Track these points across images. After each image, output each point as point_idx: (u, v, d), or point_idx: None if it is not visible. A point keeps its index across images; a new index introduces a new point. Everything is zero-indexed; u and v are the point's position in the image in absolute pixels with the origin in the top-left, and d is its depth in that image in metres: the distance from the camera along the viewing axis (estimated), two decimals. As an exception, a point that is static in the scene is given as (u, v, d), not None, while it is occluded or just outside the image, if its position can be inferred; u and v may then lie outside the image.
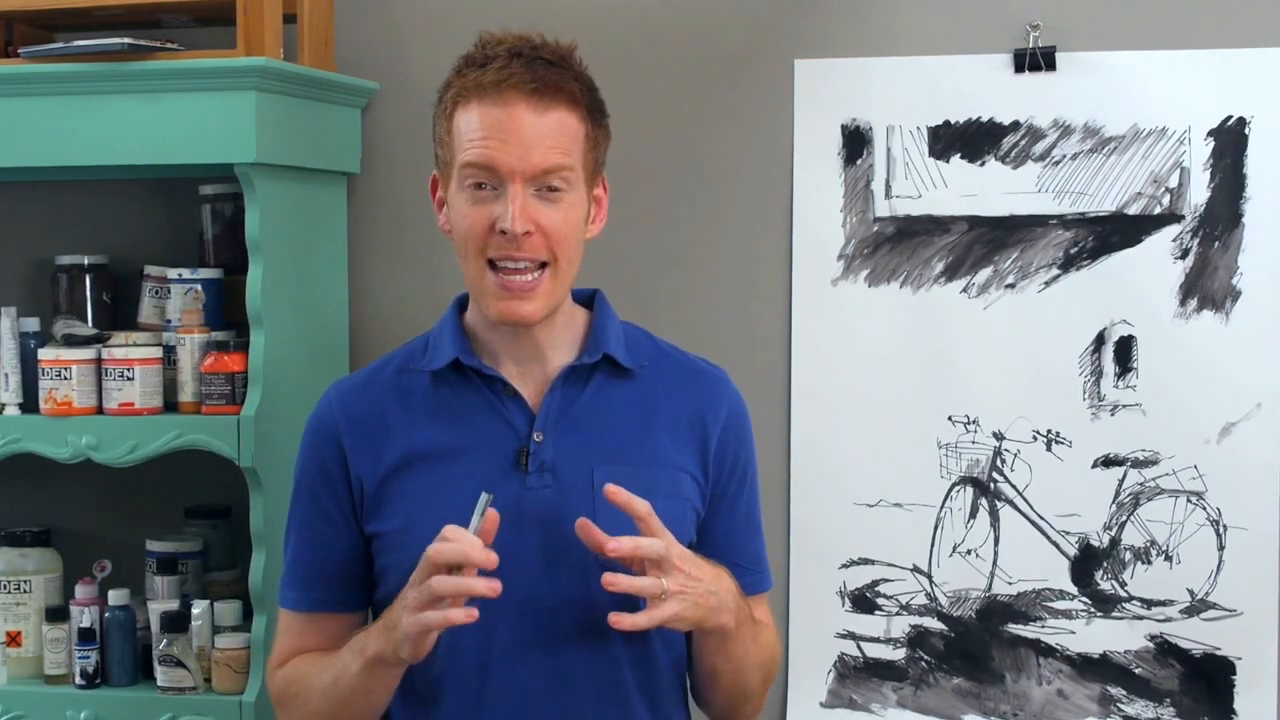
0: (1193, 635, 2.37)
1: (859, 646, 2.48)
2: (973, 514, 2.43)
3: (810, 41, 2.46)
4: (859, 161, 2.45)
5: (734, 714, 1.87)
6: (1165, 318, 2.36)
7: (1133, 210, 2.37)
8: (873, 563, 2.46)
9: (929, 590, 2.45)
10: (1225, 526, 2.35)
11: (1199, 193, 2.34)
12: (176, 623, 2.36)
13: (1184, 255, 2.35)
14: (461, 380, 1.78)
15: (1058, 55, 2.36)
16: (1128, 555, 2.39)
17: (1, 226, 2.71)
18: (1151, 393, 2.37)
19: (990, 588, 2.43)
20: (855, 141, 2.45)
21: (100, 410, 2.37)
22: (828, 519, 2.47)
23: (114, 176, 2.56)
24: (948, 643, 2.45)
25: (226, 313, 2.47)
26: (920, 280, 2.43)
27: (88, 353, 2.38)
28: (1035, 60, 2.37)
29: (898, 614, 2.46)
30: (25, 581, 2.49)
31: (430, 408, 1.78)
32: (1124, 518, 2.38)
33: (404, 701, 1.77)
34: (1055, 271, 2.39)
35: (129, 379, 2.35)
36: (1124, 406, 2.38)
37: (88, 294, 2.54)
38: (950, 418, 2.43)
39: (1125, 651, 2.39)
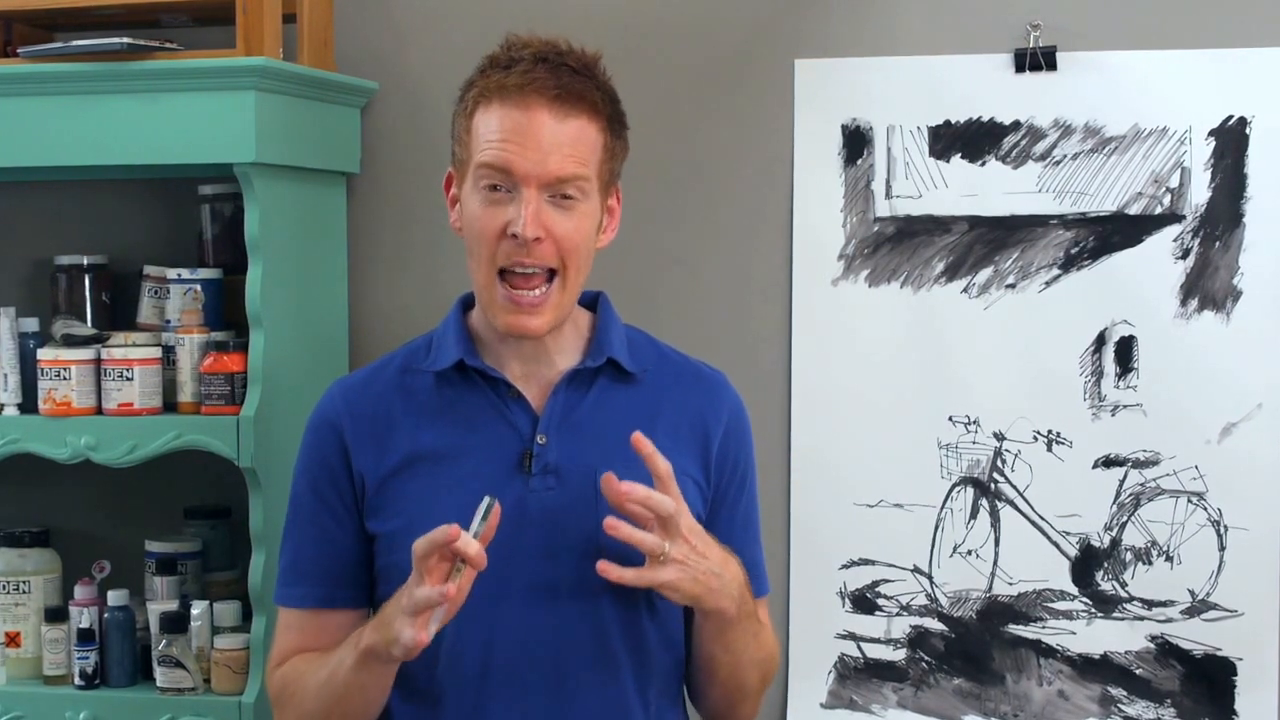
0: (1193, 636, 2.37)
1: (859, 647, 2.48)
2: (973, 514, 2.43)
3: (810, 41, 2.46)
4: (859, 161, 2.44)
5: (730, 713, 1.87)
6: (1166, 318, 2.36)
7: (1133, 210, 2.36)
8: (873, 563, 2.46)
9: (929, 591, 2.45)
10: (1226, 527, 2.35)
11: (1200, 193, 2.34)
12: (176, 623, 2.36)
13: (1185, 255, 2.35)
14: (465, 381, 1.78)
15: (1058, 55, 2.36)
16: (1128, 556, 2.39)
17: (1, 226, 2.70)
18: (1152, 393, 2.37)
19: (991, 588, 2.43)
20: (855, 141, 2.44)
21: (99, 410, 2.37)
22: (828, 519, 2.47)
23: (113, 176, 2.56)
24: (948, 643, 2.45)
25: (226, 313, 2.47)
26: (921, 280, 2.43)
27: (87, 353, 2.37)
28: (1036, 60, 2.37)
29: (898, 614, 2.46)
30: (24, 582, 2.48)
31: (434, 408, 1.78)
32: (1125, 518, 2.38)
33: (405, 702, 1.77)
34: (1056, 271, 2.39)
35: (128, 379, 2.35)
36: (1125, 407, 2.38)
37: (87, 294, 2.54)
38: (951, 418, 2.43)
39: (1126, 652, 2.39)
